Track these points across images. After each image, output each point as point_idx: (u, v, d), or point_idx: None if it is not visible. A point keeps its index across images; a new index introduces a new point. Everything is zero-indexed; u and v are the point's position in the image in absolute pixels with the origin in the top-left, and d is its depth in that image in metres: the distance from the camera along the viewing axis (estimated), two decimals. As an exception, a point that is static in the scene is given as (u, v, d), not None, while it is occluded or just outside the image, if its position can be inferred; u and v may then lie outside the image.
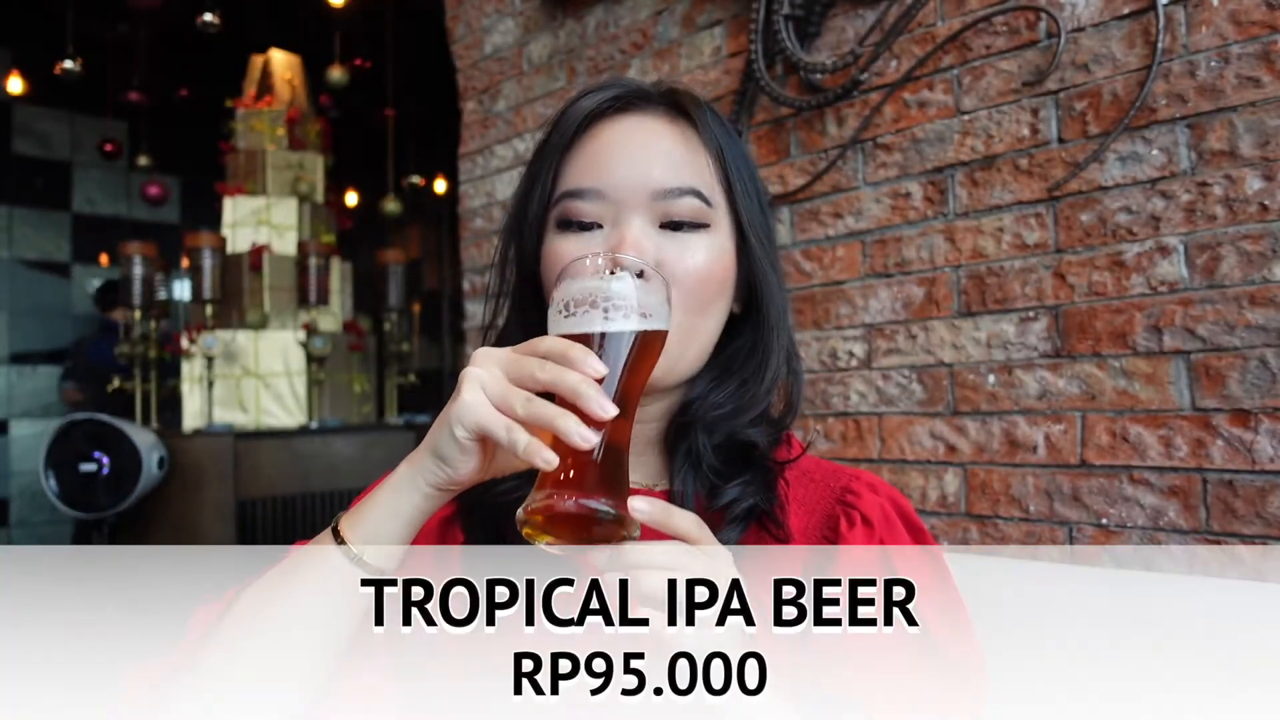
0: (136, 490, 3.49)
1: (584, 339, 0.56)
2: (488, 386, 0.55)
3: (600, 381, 0.54)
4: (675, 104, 0.75)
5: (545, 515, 0.54)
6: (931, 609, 0.70)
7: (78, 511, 3.49)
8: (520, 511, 0.55)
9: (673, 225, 0.71)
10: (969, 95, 1.42)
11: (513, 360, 0.55)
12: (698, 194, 0.71)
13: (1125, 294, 1.25)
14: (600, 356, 0.56)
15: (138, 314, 4.05)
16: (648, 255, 0.68)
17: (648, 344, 0.59)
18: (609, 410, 0.53)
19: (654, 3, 1.95)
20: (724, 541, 0.68)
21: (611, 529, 0.54)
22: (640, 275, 0.59)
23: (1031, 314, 1.34)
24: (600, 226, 0.71)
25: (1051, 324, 1.32)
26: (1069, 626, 1.00)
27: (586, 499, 0.54)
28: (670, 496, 0.73)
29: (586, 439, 0.52)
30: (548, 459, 0.52)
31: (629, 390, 0.58)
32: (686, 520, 0.57)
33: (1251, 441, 1.13)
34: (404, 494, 0.59)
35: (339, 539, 0.60)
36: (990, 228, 1.39)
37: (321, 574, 0.60)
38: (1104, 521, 1.26)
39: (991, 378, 1.38)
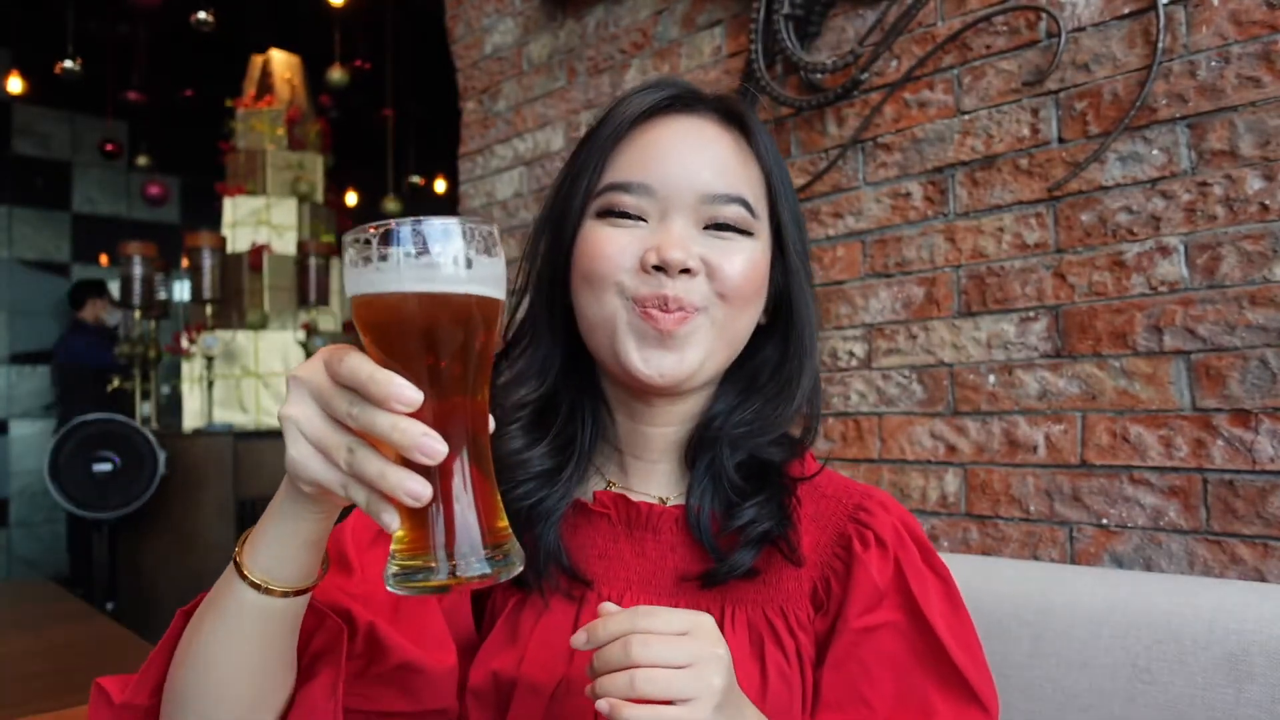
0: (150, 489, 3.50)
1: (397, 302, 0.47)
2: (307, 432, 0.49)
3: (428, 406, 0.46)
4: (729, 112, 0.75)
5: (415, 591, 0.48)
6: (950, 633, 0.70)
7: (88, 512, 3.49)
8: (388, 582, 0.49)
9: (716, 229, 0.71)
10: (969, 95, 1.42)
11: (323, 393, 0.49)
12: (744, 203, 0.71)
13: (1125, 294, 1.25)
14: (417, 337, 0.47)
15: (138, 313, 4.05)
16: (692, 255, 0.68)
17: (484, 311, 0.49)
18: (437, 453, 0.45)
19: (654, 3, 1.95)
20: (739, 563, 0.69)
21: (488, 579, 0.48)
22: (470, 230, 0.48)
23: (1032, 314, 1.34)
24: (644, 221, 0.70)
25: (1051, 324, 1.32)
26: (1069, 626, 1.00)
27: (455, 566, 0.47)
28: (686, 510, 0.73)
29: (419, 498, 0.46)
30: (388, 523, 0.47)
31: (463, 374, 0.49)
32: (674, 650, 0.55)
33: (1252, 441, 1.13)
34: (289, 522, 0.55)
35: (242, 574, 0.56)
36: (990, 228, 1.39)
37: (238, 607, 0.57)
38: (1104, 521, 1.25)
39: (992, 378, 1.38)
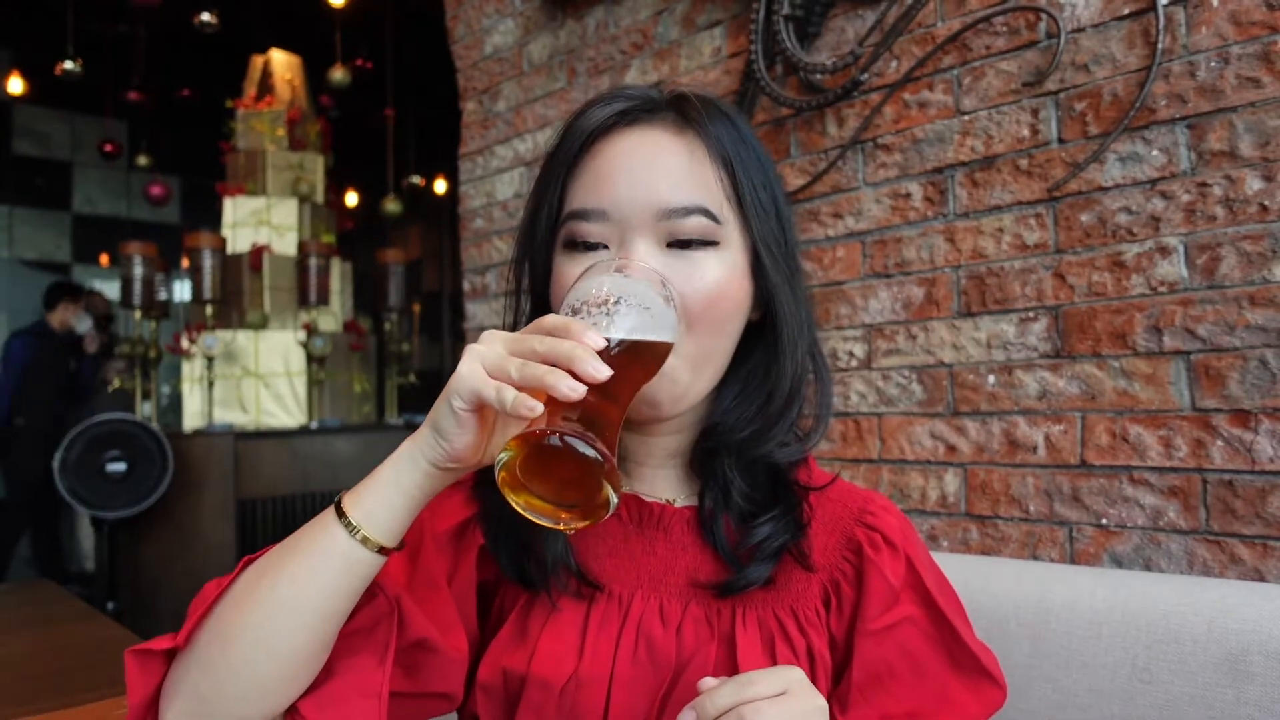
0: (160, 489, 3.51)
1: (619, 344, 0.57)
2: (485, 359, 0.55)
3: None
4: (682, 113, 0.71)
5: (522, 444, 0.51)
6: (960, 619, 0.72)
7: (97, 511, 3.49)
8: (497, 463, 0.53)
9: (680, 244, 0.68)
10: (969, 95, 1.42)
11: (515, 337, 0.56)
12: (705, 212, 0.68)
13: (1125, 294, 1.25)
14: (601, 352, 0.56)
15: (138, 314, 4.05)
16: None
17: (649, 346, 0.59)
18: (602, 372, 0.52)
19: (654, 3, 1.95)
20: (756, 576, 0.69)
21: (592, 472, 0.51)
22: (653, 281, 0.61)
23: (1031, 314, 1.34)
24: (606, 247, 0.69)
25: (1051, 324, 1.32)
26: (1068, 626, 1.00)
27: (570, 436, 0.51)
28: (700, 514, 0.73)
29: (575, 389, 0.51)
30: (532, 406, 0.51)
31: (622, 385, 0.57)
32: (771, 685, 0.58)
33: (1251, 441, 1.13)
34: (404, 470, 0.59)
35: (341, 514, 0.60)
36: (990, 228, 1.39)
37: (322, 548, 0.59)
38: (1104, 521, 1.26)
39: (991, 378, 1.38)
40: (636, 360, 0.59)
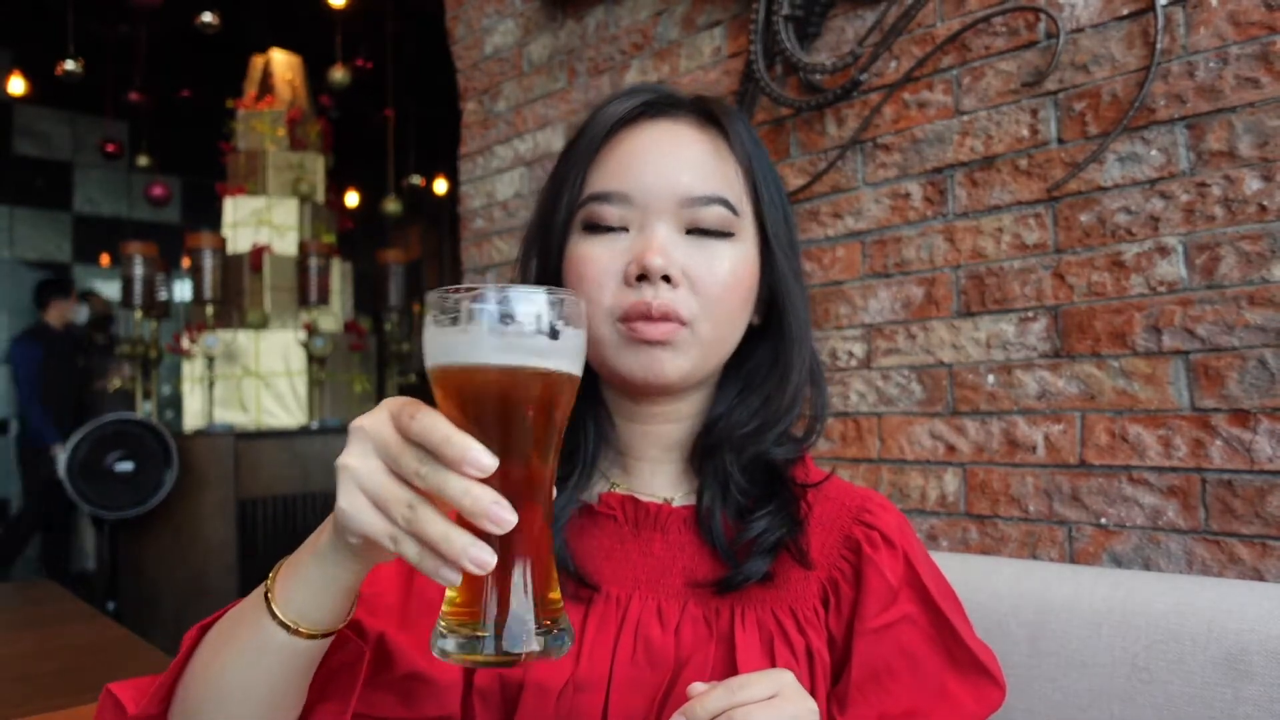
0: (164, 489, 3.52)
1: (481, 372, 0.47)
2: (364, 484, 0.47)
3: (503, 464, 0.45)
4: (706, 112, 0.75)
5: (465, 661, 0.48)
6: (958, 616, 0.72)
7: (106, 512, 3.50)
8: (436, 646, 0.48)
9: (699, 233, 0.70)
10: (968, 95, 1.42)
11: (390, 448, 0.47)
12: (725, 203, 0.71)
13: (1125, 294, 1.25)
14: (497, 406, 0.47)
15: (139, 314, 4.05)
16: (674, 262, 0.68)
17: (566, 386, 0.49)
18: (506, 522, 0.44)
19: (654, 3, 1.95)
20: (754, 571, 0.69)
21: (538, 657, 0.48)
22: (557, 301, 0.49)
23: (1031, 314, 1.34)
24: (626, 230, 0.70)
25: (1051, 324, 1.32)
26: (1068, 626, 1.00)
27: (504, 640, 0.46)
28: (697, 512, 0.74)
29: (483, 565, 0.44)
30: (448, 580, 0.46)
31: (537, 443, 0.49)
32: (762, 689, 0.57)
33: (1250, 441, 1.13)
34: (328, 568, 0.54)
35: (274, 613, 0.56)
36: (990, 228, 1.40)
37: (263, 643, 0.56)
38: (1103, 521, 1.26)
39: (991, 378, 1.39)
40: (551, 413, 0.49)
